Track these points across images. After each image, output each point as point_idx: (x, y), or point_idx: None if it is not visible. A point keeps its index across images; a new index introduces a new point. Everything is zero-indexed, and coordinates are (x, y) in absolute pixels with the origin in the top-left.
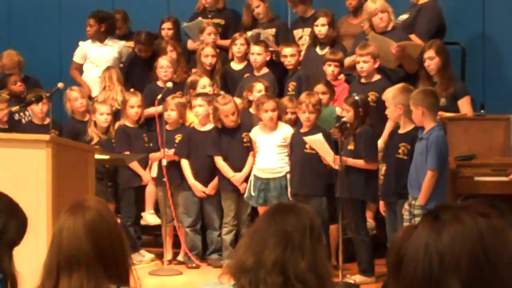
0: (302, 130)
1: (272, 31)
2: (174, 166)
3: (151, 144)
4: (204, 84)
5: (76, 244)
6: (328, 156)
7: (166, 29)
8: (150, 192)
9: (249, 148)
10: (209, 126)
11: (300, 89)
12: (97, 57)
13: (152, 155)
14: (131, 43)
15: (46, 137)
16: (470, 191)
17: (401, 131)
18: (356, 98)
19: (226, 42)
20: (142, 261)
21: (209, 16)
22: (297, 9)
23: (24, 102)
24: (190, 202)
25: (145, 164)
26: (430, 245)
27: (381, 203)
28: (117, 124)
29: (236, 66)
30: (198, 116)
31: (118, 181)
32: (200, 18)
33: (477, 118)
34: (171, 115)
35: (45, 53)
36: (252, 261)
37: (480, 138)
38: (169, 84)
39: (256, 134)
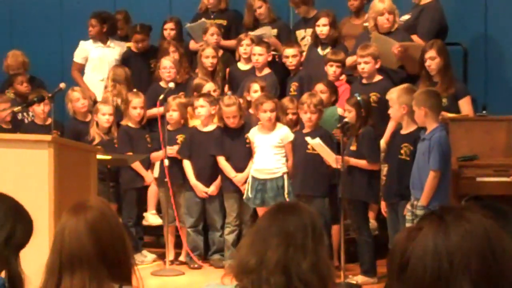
0: (304, 131)
1: (274, 31)
2: (176, 166)
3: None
4: (209, 89)
5: (78, 244)
6: (330, 158)
7: (169, 29)
8: (152, 192)
9: (252, 149)
10: (211, 127)
11: (302, 89)
12: (99, 59)
13: (153, 155)
14: (131, 44)
15: (48, 137)
16: (472, 191)
17: (403, 131)
18: (358, 98)
19: (228, 43)
20: (144, 262)
21: (212, 16)
22: (299, 10)
23: (26, 102)
24: (192, 203)
25: (147, 164)
26: (439, 246)
27: (383, 204)
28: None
29: (243, 66)
30: (200, 117)
31: (120, 181)
32: (203, 19)
33: (479, 118)
34: (173, 115)
35: (47, 53)
36: (255, 262)
37: (482, 139)
38: (171, 85)
39: (254, 134)
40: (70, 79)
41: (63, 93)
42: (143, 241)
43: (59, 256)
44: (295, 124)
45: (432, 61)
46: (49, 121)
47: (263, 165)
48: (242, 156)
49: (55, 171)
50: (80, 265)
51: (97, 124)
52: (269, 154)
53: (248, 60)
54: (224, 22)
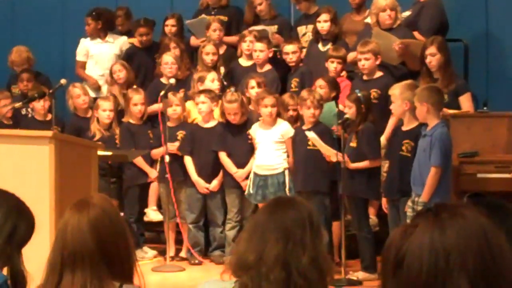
0: (304, 127)
1: (274, 28)
2: (176, 162)
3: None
4: (212, 77)
5: (80, 241)
6: (327, 151)
7: (170, 25)
8: (153, 188)
9: (254, 145)
10: (212, 123)
11: (303, 85)
12: (98, 55)
13: (154, 152)
14: (134, 40)
15: (49, 133)
16: (473, 188)
17: (404, 128)
18: (359, 94)
19: (230, 39)
20: (145, 258)
21: (213, 13)
22: (301, 6)
23: (27, 98)
24: (193, 199)
25: (150, 161)
26: (435, 242)
27: (384, 200)
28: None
29: (244, 62)
30: (201, 113)
31: (123, 177)
32: (203, 15)
33: (480, 115)
34: (177, 110)
35: (48, 50)
36: (254, 258)
37: (483, 135)
38: (172, 81)
39: (256, 130)
40: (72, 76)
41: (64, 89)
42: (144, 237)
43: (60, 253)
44: (296, 120)
45: (433, 57)
46: (50, 117)
47: (264, 161)
48: (244, 152)
49: (56, 167)
50: (82, 263)
51: (98, 120)
52: (270, 149)
53: (250, 56)
54: (225, 19)
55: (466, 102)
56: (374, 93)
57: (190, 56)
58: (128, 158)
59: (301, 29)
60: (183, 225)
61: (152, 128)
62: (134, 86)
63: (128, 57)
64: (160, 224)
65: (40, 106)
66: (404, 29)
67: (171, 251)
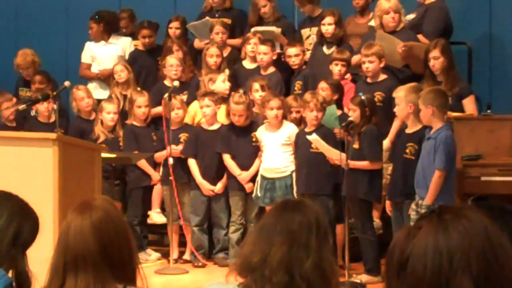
0: (307, 129)
1: (278, 30)
2: (180, 165)
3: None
4: (223, 78)
5: (83, 243)
6: (331, 153)
7: (174, 28)
8: (157, 191)
9: (258, 147)
10: (216, 125)
11: (306, 88)
12: (102, 57)
13: (157, 155)
14: (138, 42)
15: (53, 135)
16: (477, 191)
17: (408, 130)
18: (363, 97)
19: (233, 42)
20: (148, 260)
21: (216, 15)
22: (305, 8)
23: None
24: (198, 202)
25: (153, 163)
26: (439, 244)
27: (387, 203)
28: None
29: (248, 65)
30: (205, 117)
31: (126, 180)
32: (207, 18)
33: (483, 118)
34: (179, 113)
35: (52, 53)
36: (258, 259)
37: (487, 138)
38: (176, 83)
39: (262, 133)
40: (75, 78)
41: (67, 91)
42: (147, 240)
43: (63, 255)
44: (299, 122)
45: (436, 60)
46: (53, 119)
47: (271, 164)
48: (248, 154)
49: (59, 169)
50: (85, 265)
51: (102, 122)
52: (277, 152)
53: (254, 59)
54: (228, 21)
55: (469, 105)
56: (378, 96)
57: (194, 58)
58: (132, 161)
59: (305, 32)
60: (186, 227)
61: (155, 130)
62: (138, 89)
63: (132, 60)
64: (163, 226)
65: (44, 108)
66: (408, 32)
67: (174, 254)
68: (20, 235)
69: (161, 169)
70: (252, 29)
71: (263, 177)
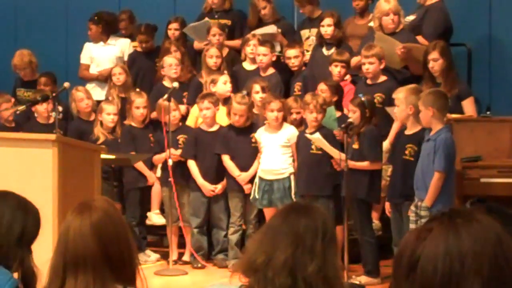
0: (307, 131)
1: (277, 30)
2: (179, 167)
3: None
4: (225, 80)
5: (82, 244)
6: (333, 152)
7: (173, 29)
8: (156, 192)
9: (258, 148)
10: (215, 127)
11: (306, 89)
12: (100, 58)
13: (156, 158)
14: (137, 43)
15: (52, 136)
16: (476, 192)
17: (407, 132)
18: (362, 99)
19: (233, 43)
20: (148, 261)
21: (216, 16)
22: (304, 9)
23: (30, 101)
24: (198, 203)
25: (150, 164)
26: (451, 247)
27: (387, 204)
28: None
29: (248, 66)
30: (206, 119)
31: (123, 181)
32: (206, 18)
33: (483, 119)
34: (176, 115)
35: (51, 53)
36: (262, 260)
37: (486, 140)
38: (175, 84)
39: (261, 134)
40: (75, 79)
41: (67, 92)
42: (146, 241)
43: (63, 256)
44: (300, 124)
45: (435, 62)
46: (52, 120)
47: (270, 165)
48: (248, 155)
49: (59, 170)
50: (84, 266)
51: (101, 123)
52: (276, 154)
53: (254, 60)
54: (228, 22)
55: (469, 106)
56: (378, 97)
57: (193, 59)
58: (131, 162)
59: (304, 33)
60: (186, 228)
61: (153, 131)
62: (137, 89)
63: (131, 61)
64: (162, 227)
65: (43, 109)
66: (407, 33)
67: (174, 255)
68: (25, 232)
69: (159, 170)
70: (251, 33)
71: (261, 179)
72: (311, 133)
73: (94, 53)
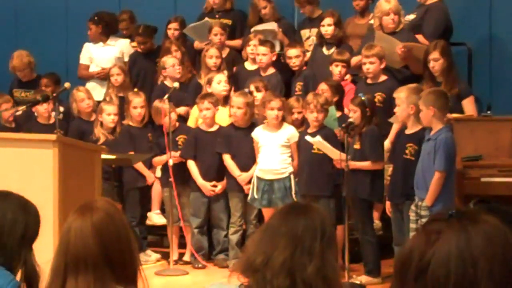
0: (309, 131)
1: (278, 29)
2: (179, 167)
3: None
4: (220, 79)
5: (84, 245)
6: (333, 154)
7: (173, 29)
8: (156, 192)
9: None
10: (215, 127)
11: (307, 89)
12: (100, 58)
13: (156, 160)
14: (136, 45)
15: (52, 137)
16: (477, 192)
17: (408, 131)
18: (363, 98)
19: (233, 43)
20: (148, 261)
21: (217, 16)
22: (305, 9)
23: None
24: (199, 203)
25: (149, 164)
26: (463, 250)
27: (387, 203)
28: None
29: (249, 66)
30: (206, 119)
31: (123, 181)
32: (206, 19)
33: (483, 119)
34: (173, 116)
35: (52, 54)
36: (261, 261)
37: (487, 139)
38: (176, 84)
39: (259, 133)
40: (75, 79)
41: (67, 93)
42: (147, 241)
43: (64, 257)
44: (301, 124)
45: (436, 62)
46: (53, 120)
47: (269, 165)
48: (249, 155)
49: (59, 171)
50: (85, 267)
51: (102, 123)
52: (276, 153)
53: (255, 60)
54: (229, 22)
55: (469, 105)
56: (378, 96)
57: (193, 59)
58: (131, 162)
59: (304, 33)
60: (186, 228)
61: (152, 131)
62: (135, 90)
63: (132, 62)
64: (163, 227)
65: (43, 109)
66: (407, 33)
67: (174, 255)
68: (27, 231)
69: (158, 171)
70: (252, 29)
71: (259, 179)
72: (313, 133)
73: (93, 53)
